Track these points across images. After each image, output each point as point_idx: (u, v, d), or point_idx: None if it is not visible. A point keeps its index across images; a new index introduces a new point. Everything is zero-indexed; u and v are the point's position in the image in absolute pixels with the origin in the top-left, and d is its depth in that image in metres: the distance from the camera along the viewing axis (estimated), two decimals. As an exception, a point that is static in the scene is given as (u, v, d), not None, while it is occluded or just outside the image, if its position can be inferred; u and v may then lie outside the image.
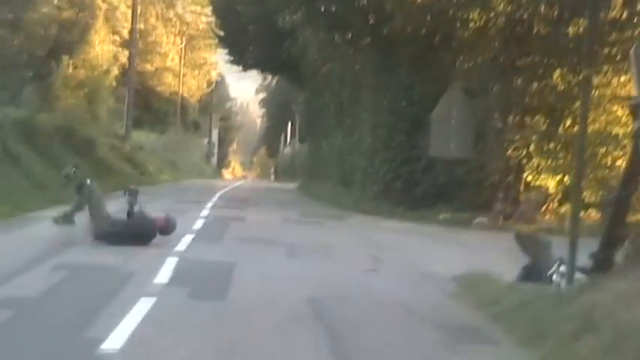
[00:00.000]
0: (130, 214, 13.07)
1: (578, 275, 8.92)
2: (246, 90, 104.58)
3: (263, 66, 52.70)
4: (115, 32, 49.48)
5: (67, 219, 13.27)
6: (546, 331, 7.20)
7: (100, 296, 8.61)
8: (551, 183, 21.70)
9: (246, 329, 7.51)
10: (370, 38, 27.21)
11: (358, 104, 31.43)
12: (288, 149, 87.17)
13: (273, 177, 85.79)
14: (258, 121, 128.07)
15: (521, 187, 22.01)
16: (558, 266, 10.00)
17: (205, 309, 8.25)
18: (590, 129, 16.66)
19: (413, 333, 7.88)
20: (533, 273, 10.30)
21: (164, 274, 10.16)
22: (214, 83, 74.14)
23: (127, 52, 46.19)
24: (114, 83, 42.24)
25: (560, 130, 22.04)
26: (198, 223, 17.27)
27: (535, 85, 22.55)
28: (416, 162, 24.91)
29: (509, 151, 22.20)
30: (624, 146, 21.17)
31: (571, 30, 21.78)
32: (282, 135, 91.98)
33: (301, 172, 58.74)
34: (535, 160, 21.98)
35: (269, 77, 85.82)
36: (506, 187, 22.34)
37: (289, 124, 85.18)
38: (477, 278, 10.42)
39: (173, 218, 13.71)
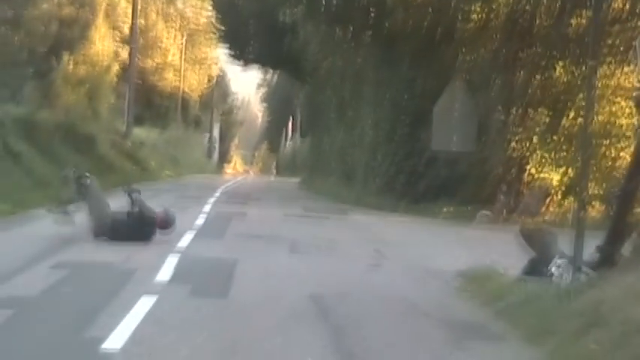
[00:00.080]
0: (131, 210, 12.99)
1: (584, 269, 8.82)
2: (248, 85, 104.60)
3: (264, 61, 52.59)
4: (115, 28, 49.29)
5: (61, 208, 13.20)
6: (553, 327, 7.10)
7: (100, 295, 8.53)
8: (554, 176, 21.60)
9: (249, 327, 7.42)
10: (371, 32, 27.13)
11: (360, 98, 31.34)
12: (289, 144, 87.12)
13: (274, 172, 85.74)
14: (260, 116, 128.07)
15: (525, 181, 21.93)
16: (557, 260, 9.91)
17: (207, 307, 8.16)
18: (593, 121, 16.55)
19: (417, 329, 7.79)
20: (539, 267, 10.18)
21: (165, 271, 10.07)
22: (215, 79, 74.00)
23: (127, 49, 46.07)
24: (115, 80, 42.11)
25: (564, 122, 21.93)
26: (200, 220, 17.21)
27: (537, 78, 22.46)
28: (418, 156, 24.81)
29: (513, 144, 22.13)
30: (628, 138, 21.10)
31: (573, 22, 21.68)
32: (284, 130, 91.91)
33: (303, 167, 58.66)
34: (538, 154, 21.89)
35: (270, 72, 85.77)
36: (510, 180, 22.26)
37: (291, 119, 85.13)
38: (481, 273, 10.33)
39: (172, 213, 13.62)
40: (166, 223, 13.24)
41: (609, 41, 20.44)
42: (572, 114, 21.82)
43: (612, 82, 21.27)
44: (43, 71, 36.01)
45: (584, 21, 21.24)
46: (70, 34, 38.76)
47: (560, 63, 22.06)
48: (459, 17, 23.22)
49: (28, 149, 24.89)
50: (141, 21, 51.11)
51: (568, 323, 6.92)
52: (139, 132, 48.73)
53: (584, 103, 20.25)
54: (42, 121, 29.10)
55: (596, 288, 7.32)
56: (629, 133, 21.30)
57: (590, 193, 18.85)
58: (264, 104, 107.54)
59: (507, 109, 22.67)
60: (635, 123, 21.12)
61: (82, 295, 8.66)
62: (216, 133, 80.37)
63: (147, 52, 59.49)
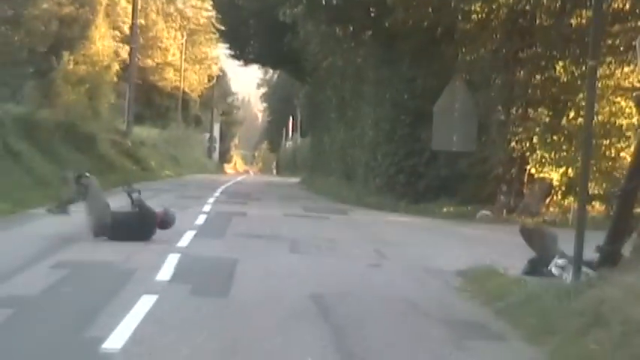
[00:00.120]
0: (131, 210, 12.99)
1: (584, 269, 8.81)
2: (248, 85, 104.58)
3: (264, 60, 52.65)
4: (115, 28, 49.34)
5: (61, 208, 13.20)
6: (553, 327, 7.09)
7: (100, 294, 8.52)
8: (554, 175, 21.58)
9: (249, 326, 7.41)
10: (372, 31, 27.13)
11: (360, 98, 31.35)
12: (289, 143, 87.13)
13: (275, 171, 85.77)
14: (260, 115, 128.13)
15: (525, 180, 21.93)
16: (557, 260, 9.91)
17: (208, 306, 8.15)
18: (594, 120, 16.55)
19: (418, 329, 7.77)
20: (539, 267, 10.19)
21: (166, 271, 10.06)
22: (215, 78, 73.99)
23: (127, 48, 46.06)
24: (115, 79, 42.08)
25: (564, 122, 21.93)
26: (200, 219, 17.19)
27: (538, 77, 22.47)
28: (419, 155, 24.84)
29: (513, 144, 22.12)
30: (628, 138, 21.10)
31: (573, 22, 21.68)
32: (284, 129, 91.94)
33: (303, 166, 58.69)
34: (538, 153, 21.87)
35: (270, 71, 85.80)
36: (510, 179, 22.27)
37: (291, 118, 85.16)
38: (481, 272, 10.32)
39: (172, 212, 13.61)
40: (166, 223, 13.23)
41: (609, 41, 20.44)
42: (572, 114, 21.82)
43: (612, 82, 21.27)
44: (43, 70, 36.00)
45: (584, 21, 21.24)
46: (70, 34, 38.76)
47: (560, 63, 22.06)
48: (459, 16, 23.22)
49: (28, 148, 24.88)
50: (141, 20, 51.08)
51: (568, 323, 6.91)
52: (139, 131, 48.73)
53: (584, 103, 20.35)
54: (42, 120, 29.10)
55: (597, 288, 7.31)
56: (629, 133, 21.31)
57: (590, 192, 18.91)
58: (265, 104, 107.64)
59: (507, 108, 22.67)
60: (635, 123, 21.13)
61: (82, 294, 8.65)
62: (216, 132, 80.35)
63: (147, 52, 59.50)
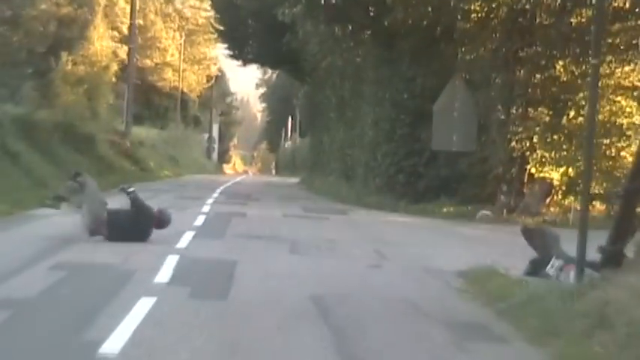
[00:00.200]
0: (128, 209, 12.94)
1: (586, 270, 8.74)
2: (247, 85, 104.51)
3: (263, 60, 52.58)
4: (114, 28, 49.26)
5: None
6: (557, 328, 7.02)
7: (99, 296, 8.45)
8: (555, 175, 21.52)
9: (249, 329, 7.34)
10: (371, 31, 27.09)
11: (359, 97, 31.29)
12: (289, 144, 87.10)
13: (274, 172, 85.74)
14: (259, 115, 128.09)
15: (525, 180, 21.86)
16: (555, 261, 9.85)
17: (207, 308, 8.08)
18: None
19: (418, 330, 7.70)
20: (541, 267, 10.13)
21: (165, 272, 9.98)
22: (214, 78, 73.91)
23: (126, 48, 45.99)
24: (113, 79, 42.04)
25: (564, 121, 21.88)
26: (199, 220, 17.13)
27: (538, 76, 22.41)
28: (418, 155, 24.79)
29: (513, 143, 22.07)
30: (629, 137, 21.06)
31: (574, 21, 21.62)
32: (283, 129, 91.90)
33: (302, 166, 58.64)
34: (538, 153, 21.83)
35: (269, 71, 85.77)
36: (510, 179, 22.22)
37: (290, 118, 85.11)
38: (483, 273, 10.26)
39: (167, 212, 13.54)
40: (162, 222, 13.16)
41: (609, 40, 20.38)
42: (572, 113, 21.78)
43: (612, 82, 21.22)
44: (41, 71, 35.95)
45: (584, 20, 21.19)
46: (69, 34, 38.71)
47: (561, 62, 22.01)
48: (459, 16, 23.17)
49: (27, 149, 24.82)
50: (139, 21, 51.02)
51: (572, 325, 6.84)
52: (138, 132, 48.69)
53: (584, 102, 20.33)
54: (41, 120, 29.04)
55: (600, 289, 7.24)
56: (629, 132, 21.27)
57: (590, 192, 18.85)
58: (264, 104, 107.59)
59: (507, 108, 22.62)
60: (636, 122, 21.09)
61: (81, 296, 8.57)
62: (215, 132, 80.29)
63: (145, 52, 59.43)
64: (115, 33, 49.11)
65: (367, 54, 29.44)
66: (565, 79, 21.99)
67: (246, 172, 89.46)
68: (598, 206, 20.50)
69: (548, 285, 8.87)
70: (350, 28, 27.96)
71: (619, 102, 21.25)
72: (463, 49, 23.81)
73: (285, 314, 7.97)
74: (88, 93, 37.90)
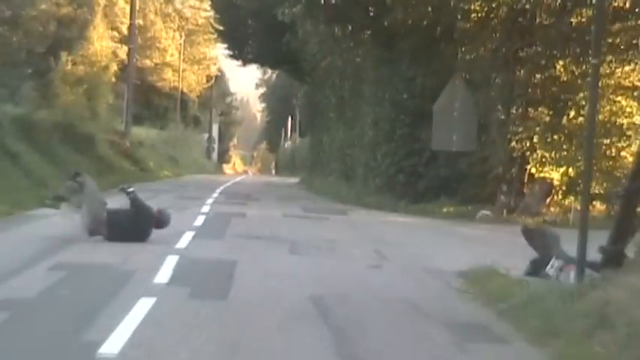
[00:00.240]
0: (128, 208, 12.92)
1: (586, 271, 8.71)
2: (246, 85, 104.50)
3: (263, 60, 52.57)
4: (113, 28, 49.25)
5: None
6: (558, 329, 7.00)
7: (98, 297, 8.42)
8: (555, 175, 21.50)
9: (249, 329, 7.32)
10: (371, 31, 27.06)
11: (359, 97, 31.27)
12: (288, 144, 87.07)
13: (273, 172, 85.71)
14: (259, 115, 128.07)
15: (525, 180, 21.84)
16: (554, 261, 9.82)
17: (207, 309, 8.05)
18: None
19: (418, 331, 7.68)
20: (541, 268, 10.10)
21: (164, 273, 9.96)
22: (214, 78, 73.88)
23: (126, 48, 45.98)
24: (113, 79, 42.01)
25: (564, 121, 21.86)
26: (199, 220, 17.10)
27: (538, 76, 22.39)
28: (418, 155, 24.77)
29: (513, 143, 22.04)
30: (629, 137, 21.04)
31: (574, 21, 21.60)
32: (283, 129, 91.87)
33: (302, 166, 58.61)
34: (538, 153, 21.81)
35: (269, 71, 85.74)
36: (510, 179, 22.19)
37: (290, 118, 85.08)
38: (483, 273, 10.23)
39: (167, 212, 13.52)
40: (161, 222, 13.14)
41: (609, 40, 20.36)
42: (572, 113, 21.76)
43: (612, 82, 21.20)
44: (41, 71, 35.93)
45: (584, 20, 21.17)
46: (69, 34, 38.69)
47: (561, 62, 21.99)
48: (459, 15, 23.14)
49: (27, 149, 24.80)
50: (139, 21, 50.99)
51: (573, 325, 6.82)
52: (138, 132, 48.66)
53: (584, 102, 20.32)
54: (40, 121, 29.02)
55: (601, 289, 7.22)
56: (629, 132, 21.25)
57: (590, 192, 18.83)
58: (263, 104, 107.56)
59: (507, 108, 22.59)
60: (637, 122, 21.07)
61: (80, 297, 8.55)
62: (215, 132, 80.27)
63: (145, 52, 59.41)
64: (115, 33, 49.10)
65: (367, 54, 29.42)
66: (565, 79, 21.97)
67: (245, 172, 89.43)
68: (598, 206, 20.47)
69: (549, 285, 8.85)
70: (350, 28, 27.93)
71: (619, 102, 21.23)
72: (463, 49, 23.78)
73: (285, 314, 7.96)
74: (88, 93, 37.88)
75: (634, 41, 20.91)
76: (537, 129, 21.88)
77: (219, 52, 66.20)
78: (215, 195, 27.14)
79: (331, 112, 39.47)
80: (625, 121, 21.35)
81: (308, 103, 51.61)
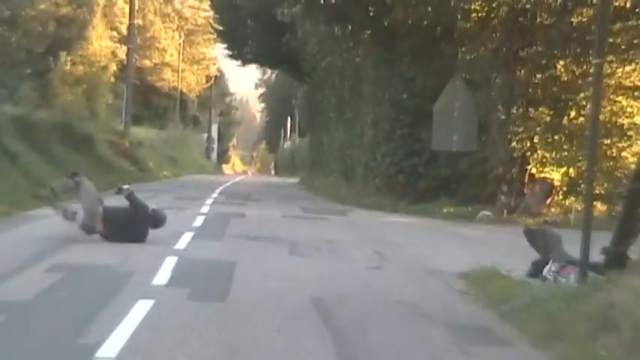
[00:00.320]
0: (126, 207, 12.86)
1: (589, 273, 8.63)
2: (246, 85, 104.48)
3: (262, 60, 52.54)
4: (113, 28, 49.22)
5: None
6: (561, 331, 6.92)
7: (96, 299, 8.34)
8: (555, 175, 21.43)
9: (249, 332, 7.24)
10: (370, 31, 27.00)
11: (359, 97, 31.21)
12: (288, 144, 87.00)
13: (273, 172, 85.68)
14: (258, 115, 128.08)
15: (526, 180, 21.76)
16: (552, 263, 9.74)
17: (206, 311, 7.98)
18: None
19: (419, 333, 7.61)
20: (542, 269, 10.01)
21: (163, 274, 9.89)
22: (213, 78, 73.83)
23: (125, 48, 45.93)
24: (112, 79, 41.98)
25: (565, 121, 21.79)
26: (198, 221, 17.03)
27: (538, 76, 22.31)
28: (418, 155, 24.71)
29: (513, 144, 21.98)
30: (630, 137, 20.97)
31: (574, 20, 21.53)
32: (283, 129, 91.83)
33: (302, 166, 58.53)
34: (539, 153, 21.74)
35: (268, 71, 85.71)
36: (510, 179, 22.12)
37: (289, 118, 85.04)
38: (484, 274, 10.16)
39: (162, 211, 13.44)
40: (157, 221, 13.07)
41: (611, 39, 20.26)
42: (573, 113, 21.69)
43: (613, 82, 21.11)
44: (40, 71, 35.87)
45: (585, 19, 21.09)
46: (68, 34, 38.62)
47: (561, 61, 21.91)
48: (459, 15, 23.07)
49: (25, 149, 24.74)
50: (138, 21, 50.94)
51: (576, 328, 6.74)
52: (137, 132, 48.62)
53: (585, 102, 20.25)
54: (39, 121, 28.96)
55: (605, 291, 7.13)
56: (630, 133, 21.18)
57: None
58: (263, 104, 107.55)
59: (508, 108, 22.52)
60: (638, 122, 20.99)
61: (77, 299, 8.47)
62: (214, 132, 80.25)
63: (144, 52, 59.37)
64: (114, 33, 49.07)
65: (367, 54, 29.35)
66: (566, 78, 21.89)
67: (245, 172, 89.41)
68: (599, 207, 20.38)
69: (552, 287, 8.76)
70: (350, 28, 27.86)
71: (620, 102, 21.14)
72: (463, 49, 23.71)
73: (285, 316, 7.89)
74: (87, 93, 37.84)
75: (635, 41, 20.83)
76: (538, 129, 21.80)
77: (218, 52, 66.23)
78: (214, 195, 27.07)
79: (331, 112, 39.41)
80: (626, 121, 21.27)
81: (308, 103, 51.55)
